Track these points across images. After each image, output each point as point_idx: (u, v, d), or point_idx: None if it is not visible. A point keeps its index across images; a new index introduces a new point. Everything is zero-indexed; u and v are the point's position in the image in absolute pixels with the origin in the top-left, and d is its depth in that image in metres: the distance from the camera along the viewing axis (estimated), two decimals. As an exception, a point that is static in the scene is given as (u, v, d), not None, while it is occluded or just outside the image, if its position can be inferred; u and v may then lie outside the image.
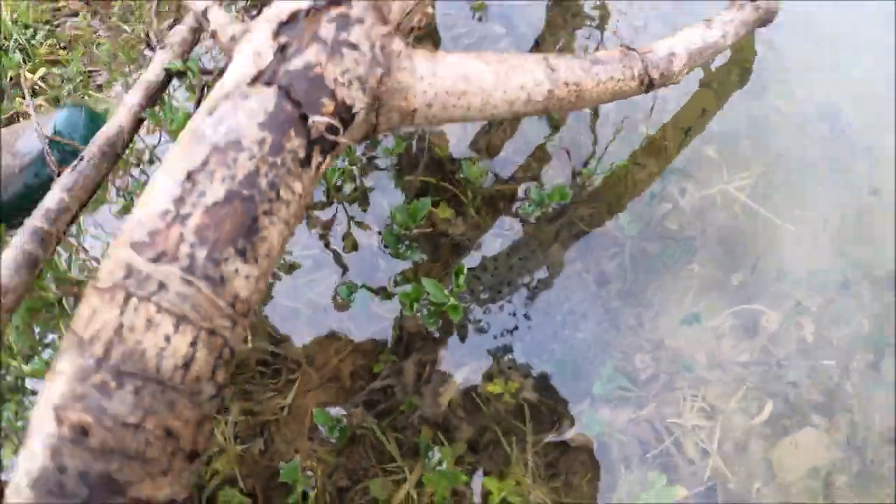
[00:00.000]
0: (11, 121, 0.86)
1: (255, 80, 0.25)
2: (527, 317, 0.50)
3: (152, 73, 0.61)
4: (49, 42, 0.94)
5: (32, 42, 0.94)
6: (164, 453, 0.19)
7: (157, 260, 0.20)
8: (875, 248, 0.63)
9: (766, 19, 0.63)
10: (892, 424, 0.57)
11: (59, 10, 1.04)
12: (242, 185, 0.22)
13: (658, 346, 0.53)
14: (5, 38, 0.95)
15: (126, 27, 0.93)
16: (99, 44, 0.94)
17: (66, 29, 0.99)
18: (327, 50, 0.26)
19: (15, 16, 0.97)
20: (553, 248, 0.52)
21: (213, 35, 0.32)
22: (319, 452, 0.42)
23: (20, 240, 0.43)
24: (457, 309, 0.42)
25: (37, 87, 0.88)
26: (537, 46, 0.73)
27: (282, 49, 0.26)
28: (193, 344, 0.20)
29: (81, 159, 0.50)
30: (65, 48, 0.97)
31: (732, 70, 0.72)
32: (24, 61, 0.90)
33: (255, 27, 0.28)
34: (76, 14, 1.03)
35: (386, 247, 0.49)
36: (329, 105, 0.26)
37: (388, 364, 0.49)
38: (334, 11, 0.28)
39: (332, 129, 0.25)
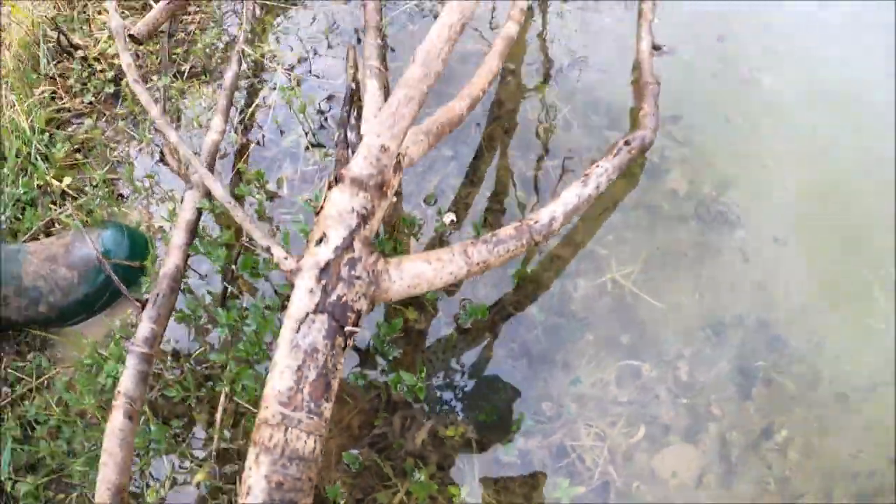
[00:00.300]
0: (48, 226, 1.16)
1: (314, 311, 0.58)
2: (465, 385, 0.85)
3: (188, 212, 0.93)
4: (65, 147, 1.23)
5: (52, 149, 1.23)
6: (309, 487, 0.52)
7: (294, 410, 0.54)
8: (747, 302, 1.00)
9: (643, 150, 0.99)
10: (753, 438, 0.93)
11: (66, 109, 1.33)
12: (321, 368, 0.55)
13: (560, 395, 0.89)
14: (24, 143, 1.23)
15: (134, 133, 1.23)
16: (112, 148, 1.24)
17: (77, 132, 1.28)
18: (347, 284, 0.60)
19: (31, 121, 1.25)
20: (486, 333, 0.88)
21: (277, 265, 0.64)
22: (343, 478, 0.77)
23: (133, 362, 0.76)
24: (421, 389, 0.77)
25: (64, 194, 1.18)
26: (476, 160, 1.08)
27: (324, 289, 0.59)
28: (315, 442, 0.53)
29: (158, 295, 0.82)
30: (78, 150, 1.27)
31: (637, 165, 1.08)
32: (47, 169, 1.19)
33: (304, 266, 0.61)
34: (82, 114, 1.32)
35: (375, 348, 0.84)
36: (352, 317, 0.59)
37: (382, 419, 0.85)
38: (346, 256, 0.61)
39: (353, 329, 0.59)
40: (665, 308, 0.97)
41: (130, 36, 1.24)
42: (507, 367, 0.90)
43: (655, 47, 1.14)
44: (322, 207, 0.66)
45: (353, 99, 1.04)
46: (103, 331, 0.99)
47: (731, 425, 0.94)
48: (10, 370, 0.99)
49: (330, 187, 0.68)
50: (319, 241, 0.62)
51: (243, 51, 1.22)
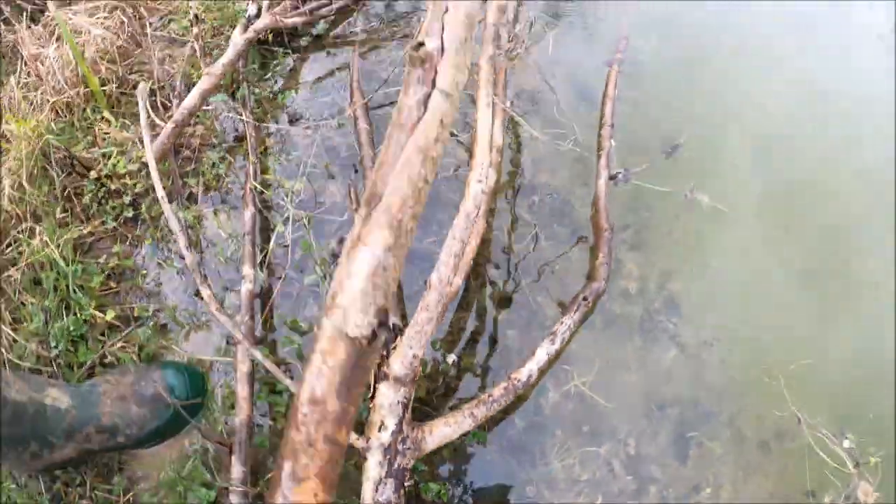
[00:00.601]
0: (101, 358, 1.53)
1: (385, 477, 1.03)
2: (472, 481, 1.35)
3: (244, 364, 1.34)
4: (100, 278, 1.59)
5: (85, 276, 1.58)
6: None
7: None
8: (682, 386, 1.52)
9: (597, 298, 1.47)
10: (686, 492, 1.47)
11: (91, 233, 1.67)
12: (394, 519, 1.02)
13: (538, 479, 1.40)
14: (59, 276, 1.59)
15: (162, 262, 1.60)
16: (143, 275, 1.61)
17: (108, 261, 1.63)
18: (401, 455, 1.05)
19: (61, 251, 1.59)
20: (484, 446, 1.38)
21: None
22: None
23: (235, 499, 1.20)
24: (445, 494, 1.27)
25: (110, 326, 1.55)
26: (466, 291, 1.54)
27: (388, 462, 1.04)
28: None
29: (240, 442, 1.26)
30: (110, 277, 1.63)
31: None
32: (87, 300, 1.55)
33: (372, 446, 1.05)
34: (104, 236, 1.68)
35: (412, 469, 1.32)
36: (407, 473, 1.05)
37: (412, 512, 1.34)
38: (399, 437, 1.07)
39: (408, 482, 1.06)
40: (614, 405, 1.48)
41: (144, 163, 1.61)
42: (501, 461, 1.40)
43: (612, 177, 1.60)
44: (374, 396, 1.12)
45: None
46: (174, 452, 1.42)
47: (668, 484, 1.49)
48: (96, 492, 1.41)
49: (377, 379, 1.13)
50: (380, 428, 1.08)
51: (255, 186, 1.61)
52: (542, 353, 1.26)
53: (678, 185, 1.66)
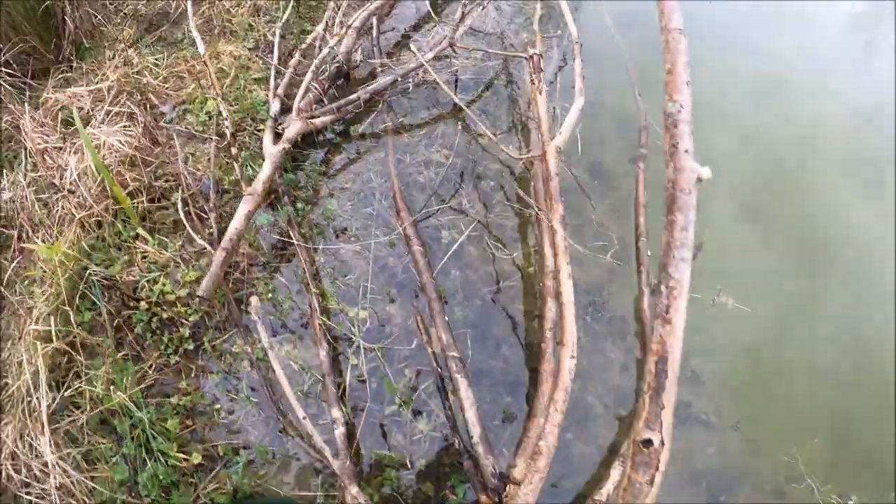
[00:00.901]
0: (197, 500, 1.66)
1: None
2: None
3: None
4: (176, 421, 1.69)
5: (164, 422, 1.68)
6: None
7: None
8: (713, 459, 1.88)
9: None
10: None
11: (151, 367, 1.73)
12: None
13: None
14: (134, 425, 1.67)
15: (233, 395, 1.72)
16: (217, 410, 1.72)
17: (178, 396, 1.71)
18: None
19: (130, 395, 1.67)
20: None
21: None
22: None
23: None
24: None
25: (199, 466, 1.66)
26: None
27: None
28: None
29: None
30: (178, 413, 1.73)
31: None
32: (166, 441, 1.66)
33: None
34: (165, 367, 1.75)
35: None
36: None
37: None
38: None
39: None
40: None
41: (200, 297, 1.71)
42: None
43: (652, 290, 1.86)
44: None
45: (444, 388, 1.68)
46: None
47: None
48: None
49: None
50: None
51: (324, 322, 1.74)
52: (616, 474, 1.55)
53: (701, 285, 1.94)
